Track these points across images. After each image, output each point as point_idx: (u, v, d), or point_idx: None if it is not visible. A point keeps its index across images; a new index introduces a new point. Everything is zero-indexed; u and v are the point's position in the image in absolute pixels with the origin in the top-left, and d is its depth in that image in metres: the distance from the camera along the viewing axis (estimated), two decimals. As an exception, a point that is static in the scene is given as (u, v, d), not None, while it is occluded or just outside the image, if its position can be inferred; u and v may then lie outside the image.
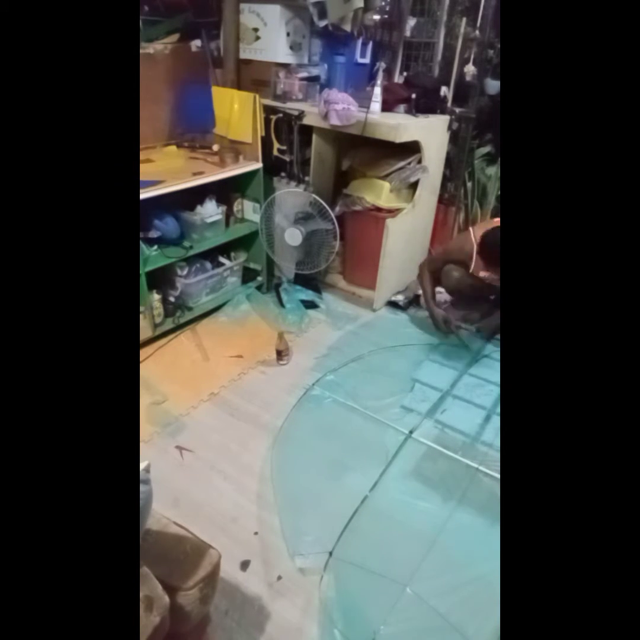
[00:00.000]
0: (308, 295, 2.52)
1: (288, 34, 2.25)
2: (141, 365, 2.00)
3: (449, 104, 2.37)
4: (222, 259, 2.41)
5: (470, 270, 2.06)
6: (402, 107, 2.27)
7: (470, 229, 2.07)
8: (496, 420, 1.72)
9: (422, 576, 1.21)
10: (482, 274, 2.04)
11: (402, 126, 2.04)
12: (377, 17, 2.34)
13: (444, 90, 2.34)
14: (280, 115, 2.27)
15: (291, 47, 2.29)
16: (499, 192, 2.68)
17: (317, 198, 2.23)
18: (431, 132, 2.27)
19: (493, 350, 2.15)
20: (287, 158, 2.36)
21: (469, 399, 1.83)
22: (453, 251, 2.15)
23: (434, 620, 1.12)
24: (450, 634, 1.10)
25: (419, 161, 2.28)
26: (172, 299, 2.22)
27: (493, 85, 2.40)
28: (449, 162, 2.52)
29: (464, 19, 2.29)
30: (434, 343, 2.21)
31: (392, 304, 2.51)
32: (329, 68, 2.39)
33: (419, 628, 1.14)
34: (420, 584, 1.19)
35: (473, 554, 1.27)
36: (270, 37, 2.23)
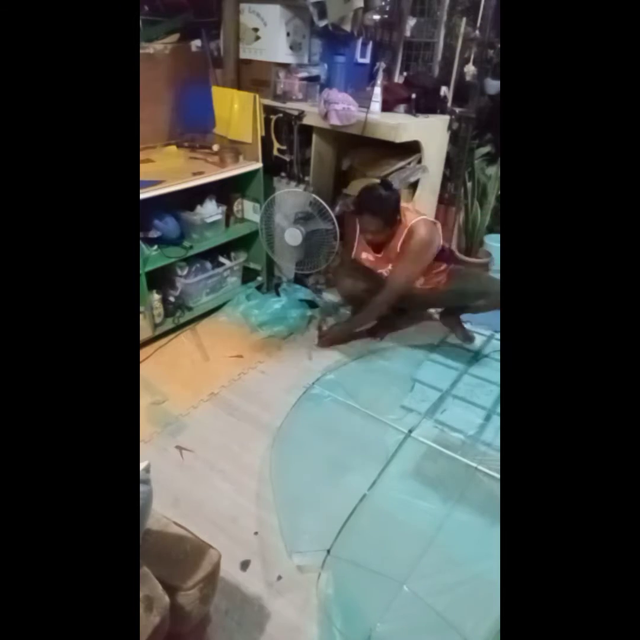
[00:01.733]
0: (308, 294, 2.52)
1: (288, 34, 2.25)
2: (141, 365, 2.00)
3: (449, 104, 2.36)
4: (222, 259, 2.41)
5: (353, 253, 2.06)
6: (402, 107, 2.27)
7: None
8: (496, 420, 1.73)
9: (420, 574, 1.21)
10: (363, 255, 2.03)
11: (402, 126, 2.04)
12: (377, 17, 2.33)
13: (444, 90, 2.34)
14: (280, 115, 2.27)
15: (291, 47, 2.29)
16: (499, 192, 2.68)
17: (317, 198, 2.22)
18: (431, 132, 2.26)
19: (493, 350, 2.15)
20: (287, 158, 2.36)
21: (469, 399, 1.83)
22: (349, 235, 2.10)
23: (431, 618, 1.12)
24: (447, 632, 1.10)
25: (419, 161, 2.28)
26: (172, 299, 2.22)
27: (493, 85, 2.40)
28: (449, 162, 2.52)
29: (464, 19, 2.29)
30: (434, 343, 2.21)
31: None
32: (329, 68, 2.39)
33: (415, 626, 1.14)
34: (417, 582, 1.19)
35: (471, 552, 1.28)
36: (270, 37, 2.23)
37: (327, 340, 2.19)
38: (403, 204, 1.90)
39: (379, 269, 2.05)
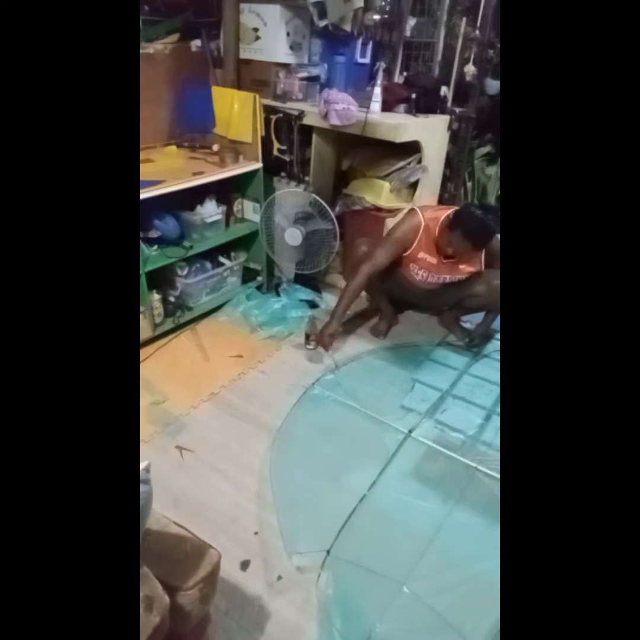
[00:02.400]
0: (308, 294, 2.52)
1: (288, 34, 2.25)
2: (141, 365, 2.00)
3: (449, 104, 2.36)
4: (222, 259, 2.41)
5: (409, 252, 1.93)
6: (402, 107, 2.27)
7: (416, 208, 1.94)
8: (496, 420, 1.73)
9: (420, 575, 1.21)
10: (421, 254, 1.92)
11: (402, 126, 2.04)
12: (377, 17, 2.33)
13: (444, 90, 2.34)
14: (280, 115, 2.27)
15: (291, 47, 2.29)
16: (499, 192, 2.68)
17: (317, 198, 2.23)
18: (431, 132, 2.27)
19: (493, 350, 2.15)
20: (287, 158, 2.36)
21: (469, 399, 1.83)
22: (399, 236, 1.93)
23: (431, 619, 1.12)
24: (447, 632, 1.10)
25: (419, 161, 2.28)
26: (172, 299, 2.22)
27: (493, 85, 2.40)
28: (449, 162, 2.52)
29: (464, 19, 2.29)
30: (434, 343, 2.21)
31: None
32: (329, 68, 2.39)
33: (415, 626, 1.14)
34: (417, 582, 1.19)
35: (471, 552, 1.28)
36: (270, 37, 2.23)
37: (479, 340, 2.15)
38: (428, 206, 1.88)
39: (435, 275, 1.96)
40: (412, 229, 1.91)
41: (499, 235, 1.83)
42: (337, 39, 2.30)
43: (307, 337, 2.15)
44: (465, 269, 1.95)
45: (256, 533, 1.38)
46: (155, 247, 2.03)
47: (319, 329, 2.05)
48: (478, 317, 2.22)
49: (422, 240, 1.91)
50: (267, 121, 2.26)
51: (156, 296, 2.08)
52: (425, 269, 1.97)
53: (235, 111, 2.20)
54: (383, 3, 2.34)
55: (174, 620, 0.83)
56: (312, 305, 2.47)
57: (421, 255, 1.93)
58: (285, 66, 2.32)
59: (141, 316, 2.01)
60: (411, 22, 2.43)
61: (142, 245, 1.96)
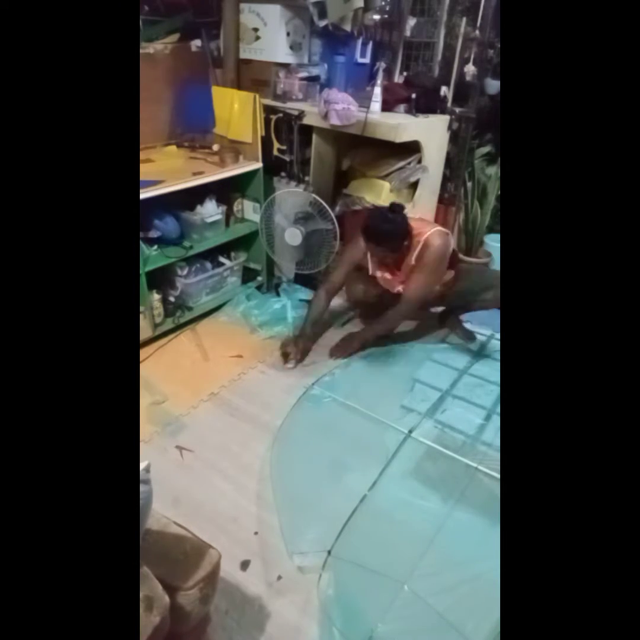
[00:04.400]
0: (308, 294, 2.52)
1: (288, 34, 2.25)
2: (141, 365, 2.00)
3: (449, 104, 2.37)
4: (222, 259, 2.41)
5: (370, 273, 2.02)
6: (402, 107, 2.27)
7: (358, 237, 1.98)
8: (496, 420, 1.72)
9: (421, 574, 1.21)
10: (378, 274, 2.00)
11: (402, 126, 2.04)
12: (377, 17, 2.34)
13: (444, 90, 2.34)
14: (280, 115, 2.27)
15: (291, 47, 2.29)
16: (499, 192, 2.69)
17: (317, 198, 2.22)
18: (431, 132, 2.27)
19: (493, 350, 2.15)
20: (287, 158, 2.36)
21: (469, 399, 1.83)
22: (346, 257, 2.04)
23: (432, 619, 1.12)
24: (448, 632, 1.10)
25: (419, 161, 2.28)
26: (172, 299, 2.22)
27: (493, 85, 2.40)
28: (449, 162, 2.52)
29: (464, 19, 2.29)
30: (434, 343, 2.21)
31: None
32: (329, 68, 2.39)
33: (416, 626, 1.14)
34: (418, 582, 1.19)
35: (471, 552, 1.27)
36: (270, 37, 2.23)
37: (342, 352, 2.09)
38: (414, 217, 1.87)
39: (396, 287, 2.00)
40: (356, 256, 1.99)
41: (427, 227, 1.84)
42: (337, 39, 2.31)
43: (285, 356, 2.08)
44: (410, 269, 1.92)
45: (256, 533, 1.38)
46: (155, 247, 2.03)
47: (299, 346, 2.06)
48: (479, 317, 2.22)
49: (372, 262, 1.99)
50: (267, 121, 2.26)
51: (156, 296, 2.08)
52: (393, 283, 2.01)
53: (235, 111, 2.20)
54: (383, 3, 2.34)
55: (174, 620, 0.83)
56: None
57: (379, 274, 2.02)
58: (285, 66, 2.32)
59: (141, 316, 2.01)
60: (411, 22, 2.44)
61: (142, 245, 1.96)
